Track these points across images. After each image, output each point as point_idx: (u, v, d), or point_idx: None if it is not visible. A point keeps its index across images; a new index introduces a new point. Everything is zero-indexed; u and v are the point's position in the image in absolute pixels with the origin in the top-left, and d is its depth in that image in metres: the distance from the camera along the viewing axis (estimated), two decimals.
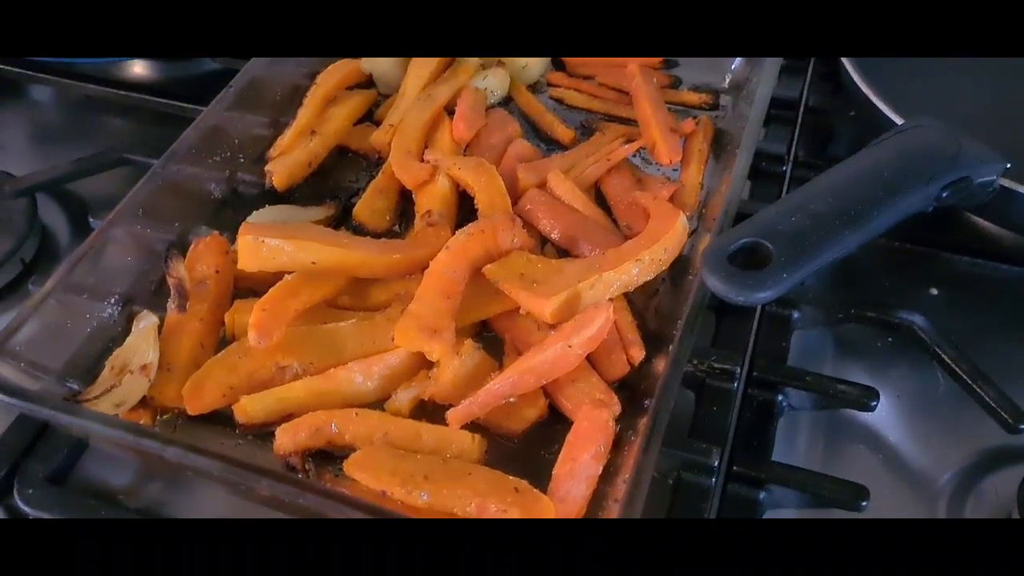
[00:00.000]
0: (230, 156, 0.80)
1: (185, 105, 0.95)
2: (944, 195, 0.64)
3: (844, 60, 0.79)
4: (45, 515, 0.63)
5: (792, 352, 0.71)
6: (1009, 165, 0.66)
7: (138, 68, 1.04)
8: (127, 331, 0.67)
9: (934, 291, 0.77)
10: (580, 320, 0.63)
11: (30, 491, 0.63)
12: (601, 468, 0.58)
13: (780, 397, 0.67)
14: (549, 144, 0.83)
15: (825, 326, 0.73)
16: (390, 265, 0.68)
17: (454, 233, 0.69)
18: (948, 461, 0.67)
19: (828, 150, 0.87)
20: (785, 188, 0.82)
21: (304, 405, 0.62)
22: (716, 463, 0.61)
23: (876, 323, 0.71)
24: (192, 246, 0.71)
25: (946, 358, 0.67)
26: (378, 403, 0.64)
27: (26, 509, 0.63)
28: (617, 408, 0.62)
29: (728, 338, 0.70)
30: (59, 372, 0.65)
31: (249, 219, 0.73)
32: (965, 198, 0.66)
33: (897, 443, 0.68)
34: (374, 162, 0.81)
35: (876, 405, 0.65)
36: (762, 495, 0.62)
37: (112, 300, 0.69)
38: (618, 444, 0.59)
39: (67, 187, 0.88)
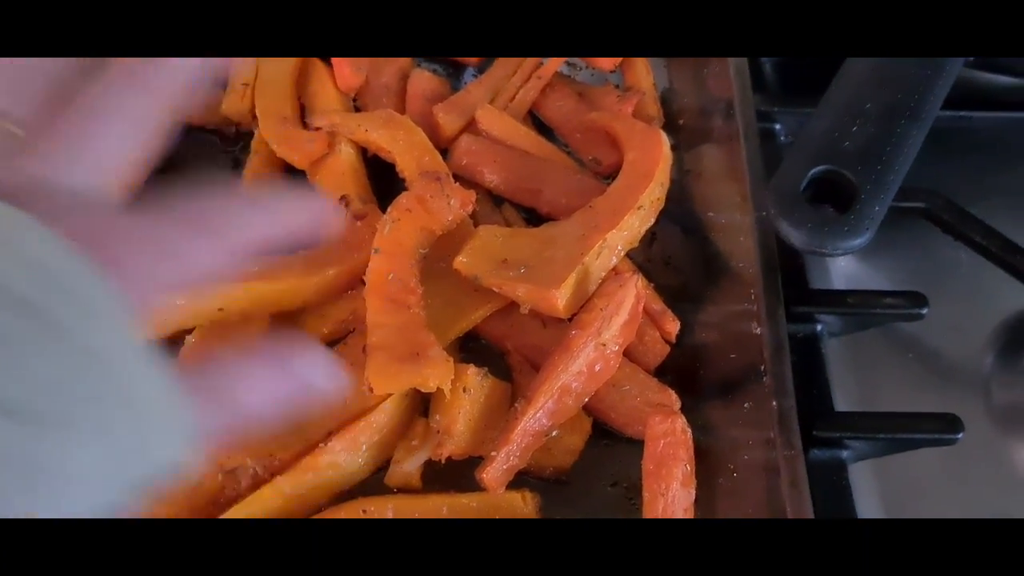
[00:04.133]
0: None
1: None
2: None
3: None
4: None
5: None
6: None
7: None
8: None
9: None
10: (601, 307, 0.49)
11: None
12: (694, 493, 0.46)
13: (819, 327, 0.57)
14: (447, 67, 0.65)
15: None
16: (323, 286, 0.51)
17: None
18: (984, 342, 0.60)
19: None
20: None
21: (283, 514, 0.45)
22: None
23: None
24: None
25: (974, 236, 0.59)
26: (372, 477, 0.48)
27: None
28: (677, 404, 0.49)
29: None
30: None
31: None
32: None
33: (929, 342, 0.61)
34: (232, 139, 0.60)
35: (927, 311, 0.57)
36: (845, 454, 0.53)
37: None
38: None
39: None
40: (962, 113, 0.63)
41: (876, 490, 0.54)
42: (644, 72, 0.62)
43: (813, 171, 0.45)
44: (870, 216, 0.44)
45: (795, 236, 0.44)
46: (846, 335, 0.59)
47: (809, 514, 0.43)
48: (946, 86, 0.50)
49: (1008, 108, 0.66)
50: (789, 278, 0.58)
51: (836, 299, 0.57)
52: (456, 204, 0.52)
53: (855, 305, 0.57)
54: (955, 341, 0.60)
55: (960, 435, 0.52)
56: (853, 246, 0.44)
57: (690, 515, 0.46)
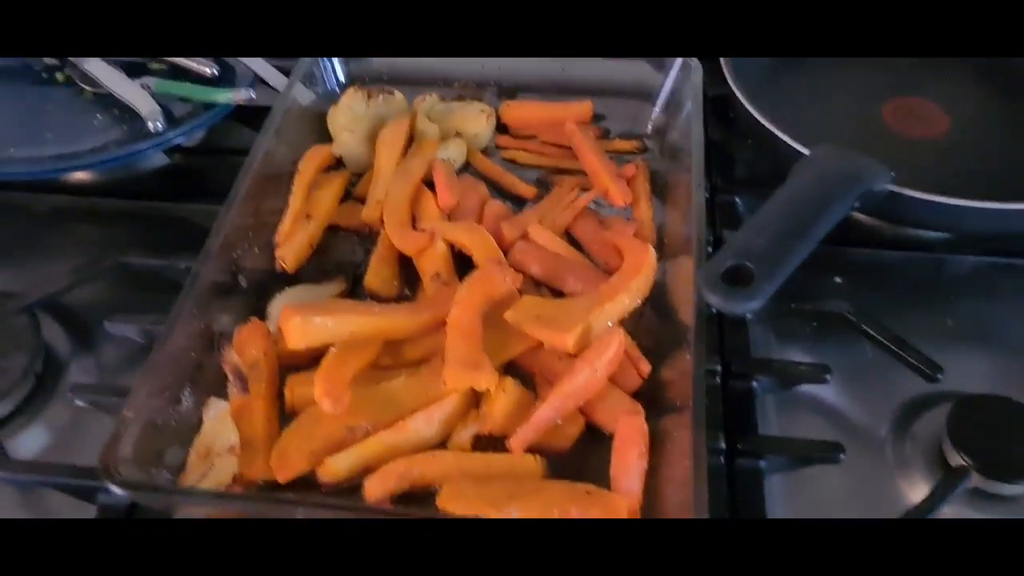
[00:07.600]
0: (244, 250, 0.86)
1: (144, 203, 1.02)
2: (856, 204, 0.81)
3: (741, 98, 0.96)
4: None
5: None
6: (893, 174, 0.84)
7: (78, 176, 1.07)
8: (182, 421, 0.74)
9: (838, 280, 0.94)
10: (598, 347, 0.75)
11: None
12: (646, 464, 0.71)
13: (754, 384, 0.82)
14: (512, 200, 0.95)
15: (767, 322, 0.89)
16: (419, 325, 0.79)
17: None
18: (883, 415, 0.83)
19: (735, 174, 1.05)
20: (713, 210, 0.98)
21: (380, 457, 0.71)
22: (722, 444, 0.76)
23: (809, 313, 0.87)
24: (236, 334, 0.78)
25: (871, 331, 0.84)
26: (440, 445, 0.74)
27: None
28: (642, 412, 0.74)
29: None
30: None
31: (278, 302, 0.82)
32: (867, 202, 0.83)
33: (840, 408, 0.84)
34: (366, 236, 0.91)
35: (829, 377, 0.81)
36: (762, 463, 0.77)
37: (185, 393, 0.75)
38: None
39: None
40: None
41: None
42: (645, 207, 0.91)
43: (728, 263, 0.72)
44: (762, 292, 0.70)
45: (715, 301, 0.71)
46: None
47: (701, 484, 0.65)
48: (828, 219, 0.77)
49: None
50: (737, 348, 0.84)
51: (764, 364, 0.83)
52: (510, 281, 0.80)
53: (776, 370, 0.82)
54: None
55: (842, 455, 0.76)
56: (749, 308, 0.70)
57: (643, 479, 0.70)
